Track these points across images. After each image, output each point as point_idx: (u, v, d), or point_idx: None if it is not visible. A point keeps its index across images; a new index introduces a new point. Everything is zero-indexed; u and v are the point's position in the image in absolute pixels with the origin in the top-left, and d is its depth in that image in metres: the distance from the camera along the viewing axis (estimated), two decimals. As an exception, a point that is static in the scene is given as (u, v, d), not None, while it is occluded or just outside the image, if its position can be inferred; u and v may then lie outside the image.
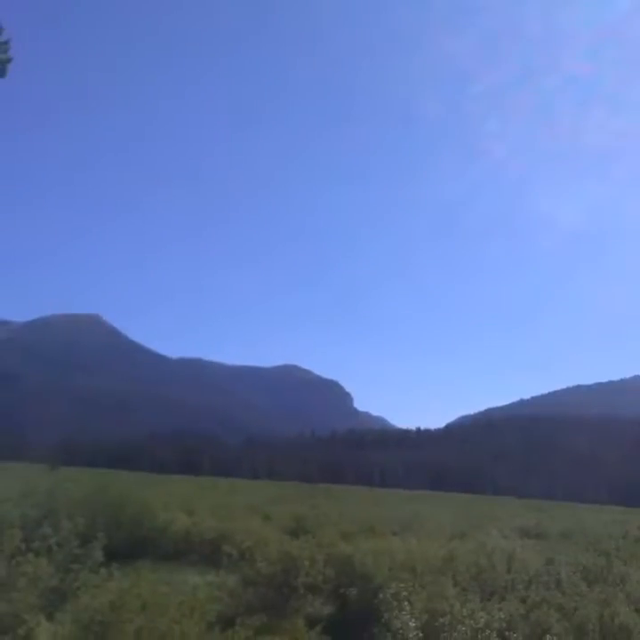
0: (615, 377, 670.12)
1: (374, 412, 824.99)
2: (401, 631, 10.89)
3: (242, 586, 16.71)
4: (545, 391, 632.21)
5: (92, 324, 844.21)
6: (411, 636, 10.75)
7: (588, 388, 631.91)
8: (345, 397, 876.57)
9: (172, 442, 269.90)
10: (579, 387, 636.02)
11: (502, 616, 12.33)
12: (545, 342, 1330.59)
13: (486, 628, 11.20)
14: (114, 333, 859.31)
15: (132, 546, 23.76)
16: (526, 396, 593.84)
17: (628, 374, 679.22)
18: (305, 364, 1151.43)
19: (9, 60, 23.58)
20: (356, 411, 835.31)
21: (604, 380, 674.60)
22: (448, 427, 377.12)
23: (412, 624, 11.07)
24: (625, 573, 18.53)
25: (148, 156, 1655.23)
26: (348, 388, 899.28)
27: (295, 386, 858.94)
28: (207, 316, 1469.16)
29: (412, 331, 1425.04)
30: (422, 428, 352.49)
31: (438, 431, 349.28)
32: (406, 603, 12.06)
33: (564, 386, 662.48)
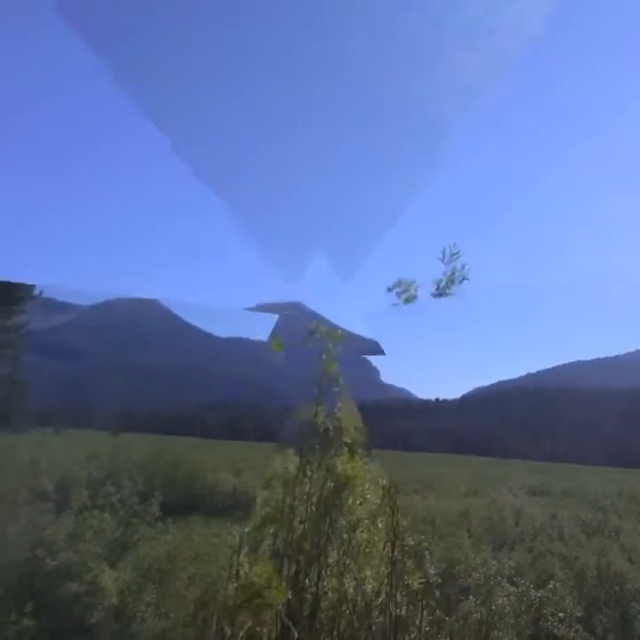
0: (611, 353, 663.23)
1: (399, 385, 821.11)
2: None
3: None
4: (550, 366, 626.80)
5: (151, 307, 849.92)
6: (430, 581, 10.76)
7: (588, 362, 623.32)
8: (373, 371, 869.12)
9: (220, 410, 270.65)
10: (579, 362, 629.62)
11: (511, 564, 12.35)
12: (549, 322, 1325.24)
13: (497, 575, 11.20)
14: (169, 315, 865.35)
15: (185, 503, 23.95)
16: (533, 370, 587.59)
17: (622, 351, 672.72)
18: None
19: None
20: (382, 383, 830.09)
21: (601, 356, 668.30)
22: (464, 397, 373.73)
23: (431, 571, 11.07)
24: (619, 527, 18.51)
25: (195, 162, 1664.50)
26: (375, 362, 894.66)
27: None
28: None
29: (429, 314, 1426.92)
30: (441, 398, 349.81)
31: (455, 401, 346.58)
32: (426, 552, 12.07)
33: (566, 361, 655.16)
